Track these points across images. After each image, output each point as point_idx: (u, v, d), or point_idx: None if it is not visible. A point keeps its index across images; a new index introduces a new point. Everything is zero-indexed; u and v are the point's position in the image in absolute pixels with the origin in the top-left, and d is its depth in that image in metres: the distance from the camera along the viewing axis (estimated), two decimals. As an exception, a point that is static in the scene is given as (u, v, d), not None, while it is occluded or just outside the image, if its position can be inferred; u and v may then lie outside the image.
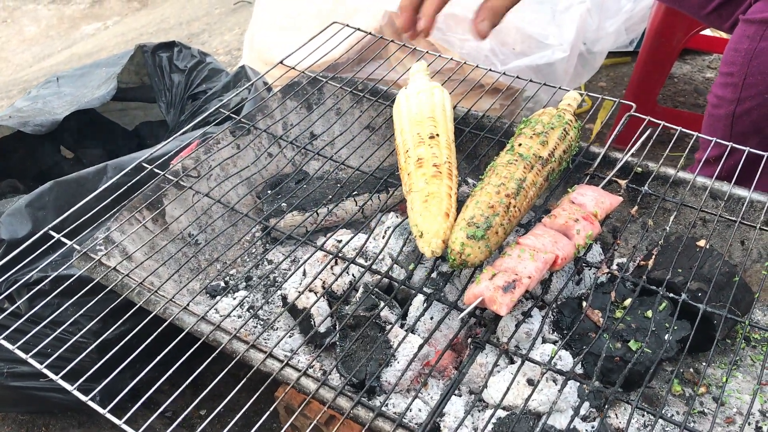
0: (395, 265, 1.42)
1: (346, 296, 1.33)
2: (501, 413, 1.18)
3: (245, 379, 1.11)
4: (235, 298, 1.51)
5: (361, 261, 1.41)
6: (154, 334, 1.17)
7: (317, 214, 1.62)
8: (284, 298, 1.44)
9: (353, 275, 1.43)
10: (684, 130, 1.54)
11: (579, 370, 1.28)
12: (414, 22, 1.42)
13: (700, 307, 1.21)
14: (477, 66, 1.79)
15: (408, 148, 1.39)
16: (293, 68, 1.79)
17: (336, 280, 1.36)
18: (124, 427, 1.05)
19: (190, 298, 1.28)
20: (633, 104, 1.60)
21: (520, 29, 2.28)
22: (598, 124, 2.91)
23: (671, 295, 1.27)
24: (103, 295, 1.31)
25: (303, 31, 2.37)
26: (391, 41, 1.93)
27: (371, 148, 1.77)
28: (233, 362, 1.16)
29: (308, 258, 1.42)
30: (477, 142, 1.61)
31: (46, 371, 1.16)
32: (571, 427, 1.17)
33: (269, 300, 1.51)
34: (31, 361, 1.17)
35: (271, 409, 1.10)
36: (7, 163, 2.19)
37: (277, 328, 1.46)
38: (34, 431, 1.96)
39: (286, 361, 1.16)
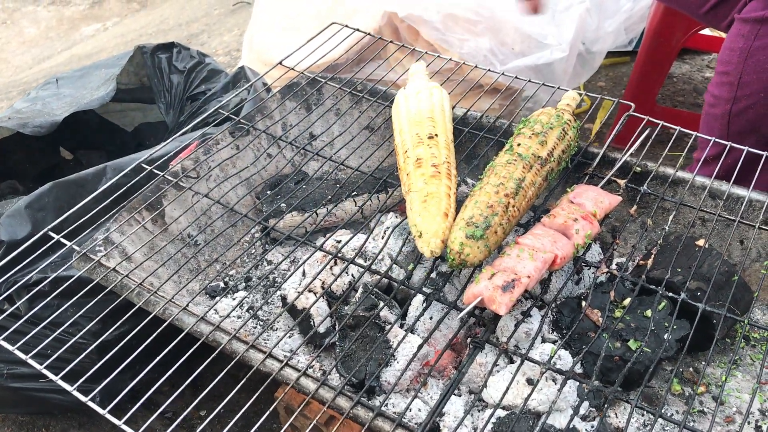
0: (394, 265, 1.42)
1: (345, 296, 1.33)
2: (500, 413, 1.18)
3: (245, 379, 1.11)
4: (234, 299, 1.51)
5: (360, 261, 1.41)
6: (154, 335, 1.17)
7: (316, 214, 1.62)
8: (284, 298, 1.44)
9: (353, 275, 1.43)
10: (683, 129, 1.54)
11: (578, 369, 1.28)
12: None
13: (700, 307, 1.21)
14: (476, 66, 1.79)
15: (407, 149, 1.39)
16: (292, 69, 1.80)
17: (335, 280, 1.36)
18: (124, 427, 1.05)
19: (190, 299, 1.28)
20: (632, 104, 1.60)
21: (519, 29, 2.28)
22: (597, 124, 2.91)
23: (670, 294, 1.27)
24: (103, 296, 1.31)
25: (302, 32, 2.37)
26: (390, 42, 1.93)
27: (370, 149, 1.78)
28: (233, 362, 1.16)
29: (307, 258, 1.42)
30: (476, 142, 1.61)
31: (46, 372, 1.16)
32: (571, 426, 1.18)
33: (269, 300, 1.51)
34: (31, 361, 1.18)
35: (271, 409, 1.10)
36: (6, 165, 2.19)
37: (277, 328, 1.46)
38: (35, 432, 1.96)
39: (285, 362, 1.16)
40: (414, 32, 2.33)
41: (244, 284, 1.56)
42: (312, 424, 1.09)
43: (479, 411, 1.25)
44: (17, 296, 1.56)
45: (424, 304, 1.29)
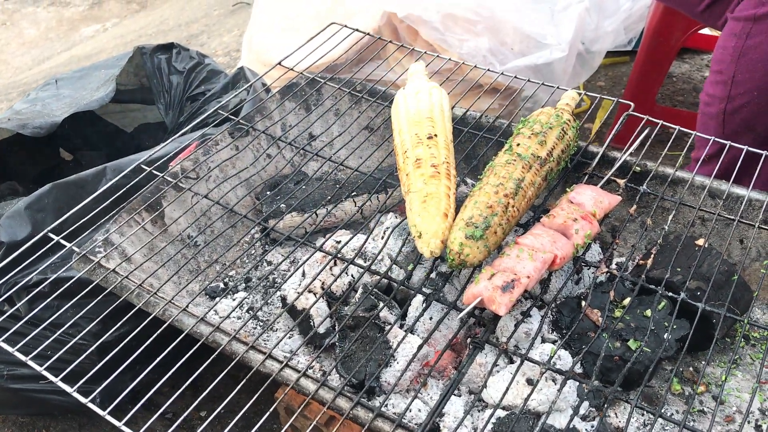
0: (394, 266, 1.42)
1: (345, 297, 1.33)
2: (500, 413, 1.18)
3: (245, 380, 1.11)
4: (234, 300, 1.51)
5: (360, 262, 1.41)
6: (154, 336, 1.17)
7: (316, 215, 1.62)
8: (283, 299, 1.44)
9: (352, 276, 1.43)
10: (682, 129, 1.54)
11: (578, 369, 1.28)
12: None
13: (699, 306, 1.21)
14: (475, 66, 1.79)
15: (406, 149, 1.39)
16: (292, 69, 1.80)
17: (335, 280, 1.36)
18: (124, 428, 1.05)
19: (190, 300, 1.29)
20: (631, 103, 1.60)
21: (518, 29, 2.28)
22: (596, 124, 2.91)
23: (670, 294, 1.27)
24: (103, 297, 1.31)
25: (302, 33, 2.37)
26: (390, 42, 1.93)
27: (370, 149, 1.78)
28: (233, 363, 1.16)
29: (307, 259, 1.42)
30: (475, 142, 1.61)
31: (46, 373, 1.16)
32: (571, 426, 1.18)
33: (269, 301, 1.51)
34: (31, 363, 1.18)
35: (271, 410, 1.10)
36: (6, 166, 2.19)
37: (277, 329, 1.46)
38: (35, 433, 1.97)
39: (285, 362, 1.17)
40: (413, 32, 2.33)
41: (243, 285, 1.56)
42: (312, 425, 1.09)
43: (479, 411, 1.25)
44: (17, 297, 1.56)
45: (424, 305, 1.29)
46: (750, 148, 1.46)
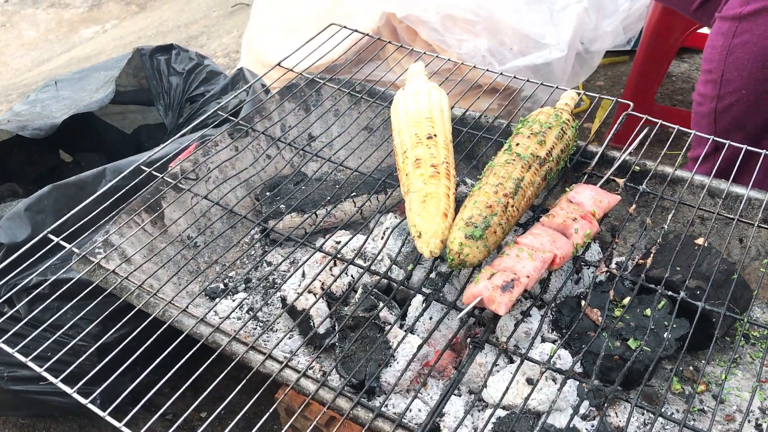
0: (394, 266, 1.42)
1: (345, 297, 1.33)
2: (501, 412, 1.18)
3: (245, 380, 1.11)
4: (234, 300, 1.51)
5: (359, 262, 1.41)
6: (154, 337, 1.17)
7: (316, 215, 1.62)
8: (283, 299, 1.44)
9: (352, 276, 1.43)
10: (682, 128, 1.55)
11: (578, 368, 1.28)
12: None
13: (699, 305, 1.21)
14: (474, 66, 1.79)
15: (406, 149, 1.39)
16: (291, 70, 1.80)
17: (335, 281, 1.36)
18: (124, 429, 1.05)
19: (190, 301, 1.29)
20: (630, 103, 1.61)
21: (517, 29, 2.28)
22: (596, 123, 2.91)
23: (670, 293, 1.27)
24: (103, 298, 1.31)
25: (301, 34, 2.37)
26: (389, 42, 1.93)
27: (369, 149, 1.78)
28: (232, 364, 1.16)
29: (307, 259, 1.42)
30: (475, 142, 1.61)
31: (45, 374, 1.16)
32: (571, 425, 1.18)
33: (268, 302, 1.51)
34: (31, 364, 1.18)
35: (271, 410, 1.10)
36: (6, 167, 2.19)
37: (277, 329, 1.46)
38: (35, 435, 1.97)
39: (285, 363, 1.17)
40: (412, 33, 2.33)
41: (243, 285, 1.56)
42: (312, 425, 1.09)
43: (479, 411, 1.25)
44: (17, 299, 1.56)
45: (424, 305, 1.29)
46: (749, 147, 1.47)
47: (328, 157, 1.62)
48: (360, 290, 1.40)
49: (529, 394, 1.11)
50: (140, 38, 4.79)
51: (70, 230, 1.39)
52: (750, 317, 1.21)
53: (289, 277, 1.46)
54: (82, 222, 1.39)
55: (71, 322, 1.25)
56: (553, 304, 1.36)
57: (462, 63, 1.80)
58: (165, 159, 1.60)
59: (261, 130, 1.71)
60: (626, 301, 1.32)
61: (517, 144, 1.37)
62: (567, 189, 1.38)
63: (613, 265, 1.50)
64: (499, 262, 1.21)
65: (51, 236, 1.38)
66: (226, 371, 1.13)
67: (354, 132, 1.80)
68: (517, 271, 1.17)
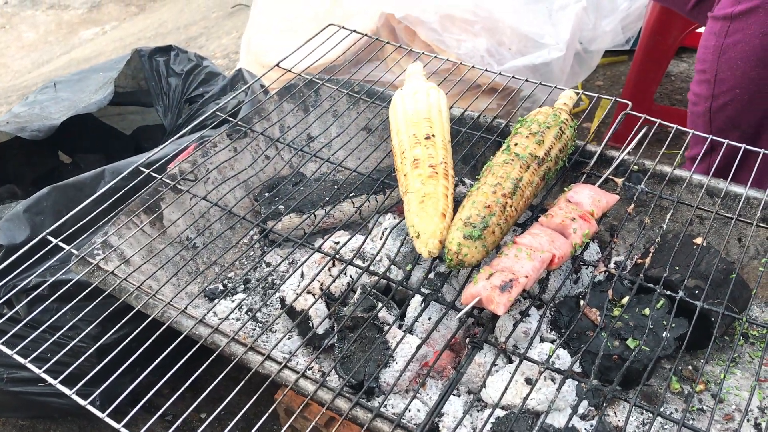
0: (393, 266, 1.42)
1: (344, 297, 1.33)
2: (499, 412, 1.18)
3: (244, 381, 1.12)
4: (233, 301, 1.51)
5: (358, 262, 1.41)
6: (153, 338, 1.17)
7: (315, 216, 1.62)
8: (282, 300, 1.44)
9: (351, 277, 1.43)
10: (680, 127, 1.55)
11: (577, 368, 1.28)
12: None
13: (698, 305, 1.21)
14: (473, 66, 1.79)
15: (404, 149, 1.39)
16: (290, 71, 1.80)
17: (334, 281, 1.36)
18: (123, 430, 1.05)
19: (189, 301, 1.29)
20: (629, 102, 1.61)
21: (516, 29, 2.28)
22: (595, 123, 2.91)
23: (669, 292, 1.27)
24: (102, 300, 1.31)
25: (300, 34, 2.37)
26: (388, 42, 1.93)
27: (368, 150, 1.78)
28: (231, 364, 1.16)
29: (306, 260, 1.42)
30: (473, 142, 1.61)
31: (44, 376, 1.16)
32: (570, 425, 1.18)
33: (267, 302, 1.51)
34: (30, 365, 1.18)
35: (270, 411, 1.10)
36: (5, 169, 2.19)
37: (276, 330, 1.46)
38: (35, 436, 1.96)
39: (284, 363, 1.17)
40: (411, 33, 2.33)
41: (242, 286, 1.56)
42: (311, 426, 1.09)
43: (478, 411, 1.25)
44: (16, 300, 1.56)
45: (423, 305, 1.29)
46: (748, 146, 1.47)
47: (326, 158, 1.62)
48: (359, 291, 1.40)
49: (528, 394, 1.11)
50: (140, 39, 4.79)
51: (69, 231, 1.39)
52: (749, 316, 1.21)
53: (288, 277, 1.46)
54: (81, 223, 1.39)
55: (70, 324, 1.25)
56: (551, 304, 1.36)
57: (461, 63, 1.81)
58: (164, 160, 1.60)
59: (260, 130, 1.71)
60: (625, 300, 1.32)
61: (516, 144, 1.37)
62: (565, 189, 1.38)
63: (611, 265, 1.50)
64: (497, 262, 1.21)
65: (50, 237, 1.38)
66: (225, 372, 1.13)
67: (353, 132, 1.80)
68: (515, 271, 1.17)
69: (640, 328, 1.26)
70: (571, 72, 2.43)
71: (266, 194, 1.70)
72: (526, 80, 1.74)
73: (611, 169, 1.46)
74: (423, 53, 1.85)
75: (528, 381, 1.20)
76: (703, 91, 1.76)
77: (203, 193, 1.56)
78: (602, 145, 1.54)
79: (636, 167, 1.52)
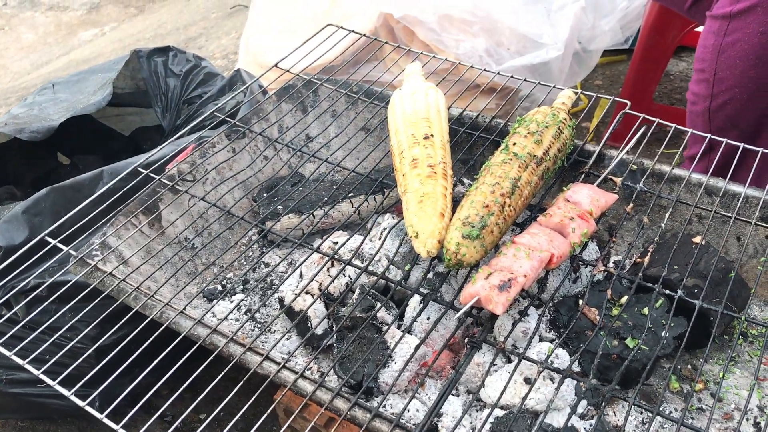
0: (391, 266, 1.42)
1: (342, 298, 1.33)
2: (498, 412, 1.18)
3: (242, 382, 1.11)
4: (232, 302, 1.51)
5: (357, 262, 1.41)
6: (151, 339, 1.17)
7: (313, 216, 1.62)
8: (281, 300, 1.44)
9: (350, 277, 1.43)
10: (679, 127, 1.54)
11: (576, 368, 1.28)
12: None
13: (697, 304, 1.21)
14: (471, 66, 1.79)
15: (403, 149, 1.39)
16: (288, 71, 1.80)
17: (332, 281, 1.36)
18: (122, 431, 1.05)
19: (187, 302, 1.29)
20: (627, 102, 1.61)
21: (514, 29, 2.28)
22: (594, 122, 2.91)
23: (667, 291, 1.27)
24: (100, 300, 1.31)
25: (298, 35, 2.37)
26: (386, 43, 1.93)
27: (367, 150, 1.77)
28: (230, 365, 1.16)
29: (305, 260, 1.42)
30: (472, 142, 1.61)
31: (43, 377, 1.16)
32: (569, 425, 1.17)
33: (266, 303, 1.51)
34: (28, 367, 1.18)
35: (269, 411, 1.10)
36: (3, 170, 2.19)
37: (275, 330, 1.46)
38: (35, 438, 1.96)
39: (283, 364, 1.17)
40: (410, 33, 2.33)
41: (241, 287, 1.56)
42: (310, 426, 1.09)
43: (477, 411, 1.25)
44: (15, 301, 1.56)
45: (421, 305, 1.29)
46: (746, 145, 1.47)
47: (325, 158, 1.62)
48: (357, 291, 1.40)
49: (527, 394, 1.11)
50: (139, 40, 4.79)
51: (68, 232, 1.39)
52: (748, 315, 1.21)
53: (287, 278, 1.46)
54: (79, 224, 1.39)
55: (69, 324, 1.25)
56: (550, 304, 1.36)
57: (459, 63, 1.80)
58: (162, 161, 1.60)
59: (258, 131, 1.71)
60: (624, 300, 1.32)
61: (514, 143, 1.37)
62: (564, 188, 1.38)
63: (610, 264, 1.49)
64: (496, 262, 1.21)
65: (48, 239, 1.38)
66: (223, 372, 1.13)
67: (351, 132, 1.80)
68: (514, 271, 1.17)
69: (639, 327, 1.26)
70: (569, 71, 2.43)
71: (265, 194, 1.70)
72: (525, 80, 1.74)
73: (610, 168, 1.45)
74: (421, 53, 1.85)
75: (527, 380, 1.20)
76: (701, 91, 1.76)
77: (202, 193, 1.56)
78: (601, 144, 1.54)
79: (635, 166, 1.52)
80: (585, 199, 1.33)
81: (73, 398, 1.13)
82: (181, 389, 1.10)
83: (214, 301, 1.39)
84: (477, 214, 1.22)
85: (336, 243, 1.49)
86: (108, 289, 1.33)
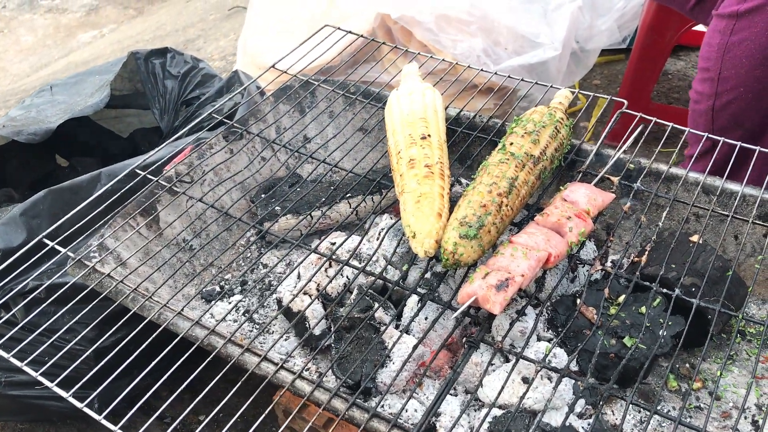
0: (389, 266, 1.42)
1: (340, 298, 1.33)
2: (496, 412, 1.18)
3: (241, 382, 1.12)
4: (230, 303, 1.51)
5: (355, 263, 1.41)
6: (149, 340, 1.17)
7: (311, 217, 1.62)
8: (279, 301, 1.44)
9: (347, 277, 1.43)
10: (676, 125, 1.55)
11: (574, 367, 1.28)
12: None
13: (694, 302, 1.21)
14: (469, 66, 1.79)
15: (400, 149, 1.39)
16: (286, 72, 1.80)
17: (330, 282, 1.36)
18: (120, 432, 1.05)
19: (185, 303, 1.29)
20: (625, 101, 1.61)
21: (511, 29, 2.28)
22: (591, 122, 2.92)
23: (665, 290, 1.27)
24: (98, 302, 1.31)
25: (296, 36, 2.37)
26: (384, 43, 1.93)
27: (364, 150, 1.78)
28: (227, 366, 1.16)
29: (302, 261, 1.42)
30: (469, 142, 1.61)
31: (41, 379, 1.16)
32: (567, 424, 1.17)
33: (264, 303, 1.51)
34: (27, 369, 1.18)
35: (267, 411, 1.10)
36: (2, 173, 2.19)
37: (273, 331, 1.46)
38: (34, 440, 1.96)
39: (280, 364, 1.17)
40: (407, 33, 2.34)
41: (239, 288, 1.56)
42: (308, 426, 1.09)
43: (475, 410, 1.25)
44: (13, 303, 1.56)
45: (419, 305, 1.29)
46: (743, 144, 1.47)
47: (323, 159, 1.62)
48: (355, 291, 1.40)
49: (525, 393, 1.11)
50: (138, 42, 4.79)
51: (66, 234, 1.39)
52: (745, 314, 1.21)
53: (285, 278, 1.46)
54: (77, 226, 1.39)
55: (67, 326, 1.25)
56: (548, 303, 1.35)
57: (456, 63, 1.81)
58: (160, 162, 1.60)
59: (256, 132, 1.71)
60: (621, 299, 1.32)
61: (511, 143, 1.37)
62: (561, 188, 1.38)
63: (608, 263, 1.50)
64: (493, 262, 1.21)
65: (46, 241, 1.38)
66: (221, 373, 1.13)
67: (349, 133, 1.80)
68: (511, 270, 1.17)
69: (637, 326, 1.26)
70: (567, 71, 2.43)
71: (263, 196, 1.70)
72: (522, 80, 1.74)
73: (607, 167, 1.46)
74: (419, 54, 1.85)
75: (525, 380, 1.20)
76: (705, 89, 1.75)
77: (199, 194, 1.56)
78: (598, 144, 1.54)
79: (632, 166, 1.52)
80: (582, 198, 1.33)
81: (72, 400, 1.13)
82: (180, 390, 1.10)
83: (213, 302, 1.39)
84: (474, 214, 1.22)
85: (334, 243, 1.49)
86: (106, 291, 1.33)
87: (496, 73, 1.78)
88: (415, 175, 1.32)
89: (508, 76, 1.77)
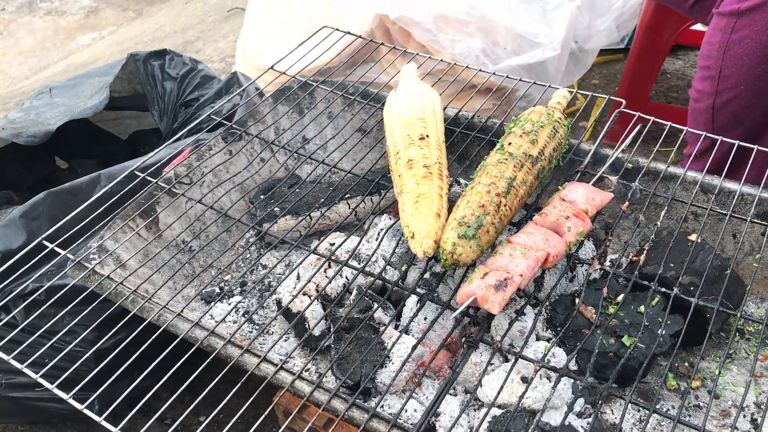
0: (388, 267, 1.42)
1: (339, 299, 1.33)
2: (496, 411, 1.18)
3: (241, 383, 1.12)
4: (230, 304, 1.51)
5: (354, 263, 1.42)
6: (149, 341, 1.17)
7: (310, 217, 1.63)
8: (278, 302, 1.44)
9: (347, 278, 1.43)
10: (675, 125, 1.55)
11: (573, 366, 1.28)
12: None
13: (693, 301, 1.21)
14: (467, 66, 1.80)
15: (398, 150, 1.39)
16: (284, 73, 1.80)
17: (329, 282, 1.36)
18: (120, 434, 1.05)
19: (185, 305, 1.29)
20: (623, 101, 1.61)
21: (510, 29, 2.29)
22: (590, 121, 2.92)
23: (663, 289, 1.27)
24: (98, 304, 1.31)
25: (294, 38, 2.37)
26: (382, 44, 1.93)
27: (363, 151, 1.78)
28: (227, 367, 1.17)
29: (302, 262, 1.42)
30: (468, 142, 1.61)
31: (41, 381, 1.16)
32: (566, 423, 1.18)
33: (264, 304, 1.51)
34: (27, 371, 1.18)
35: (267, 412, 1.10)
36: (1, 175, 2.20)
37: (273, 332, 1.46)
38: (35, 441, 1.97)
39: (280, 365, 1.17)
40: (406, 34, 2.34)
41: (239, 289, 1.57)
42: (308, 427, 1.09)
43: (475, 410, 1.26)
44: (13, 305, 1.57)
45: (418, 305, 1.29)
46: (741, 143, 1.47)
47: (322, 160, 1.63)
48: (354, 291, 1.40)
49: (524, 393, 1.11)
50: (137, 44, 4.79)
51: (65, 236, 1.39)
52: (744, 312, 1.21)
53: (284, 279, 1.46)
54: (76, 228, 1.39)
55: (67, 328, 1.25)
56: (547, 303, 1.36)
57: (455, 63, 1.81)
58: (159, 164, 1.60)
59: (255, 133, 1.71)
60: (620, 298, 1.33)
61: (510, 143, 1.37)
62: (560, 187, 1.39)
63: (606, 263, 1.50)
64: (492, 261, 1.21)
65: (46, 243, 1.38)
66: (221, 374, 1.13)
67: (348, 134, 1.81)
68: (510, 270, 1.18)
69: (636, 325, 1.26)
70: (566, 71, 2.43)
71: (262, 197, 1.70)
72: (520, 80, 1.75)
73: (605, 167, 1.46)
74: (418, 54, 1.86)
75: (524, 379, 1.20)
76: (706, 88, 1.76)
77: (199, 196, 1.56)
78: (596, 143, 1.55)
79: (630, 165, 1.52)
80: (581, 197, 1.34)
81: (72, 401, 1.13)
82: (180, 391, 1.10)
83: (212, 304, 1.40)
84: (473, 214, 1.23)
85: (333, 244, 1.50)
86: (106, 293, 1.33)
87: (494, 73, 1.78)
88: (413, 175, 1.33)
89: (507, 76, 1.77)
